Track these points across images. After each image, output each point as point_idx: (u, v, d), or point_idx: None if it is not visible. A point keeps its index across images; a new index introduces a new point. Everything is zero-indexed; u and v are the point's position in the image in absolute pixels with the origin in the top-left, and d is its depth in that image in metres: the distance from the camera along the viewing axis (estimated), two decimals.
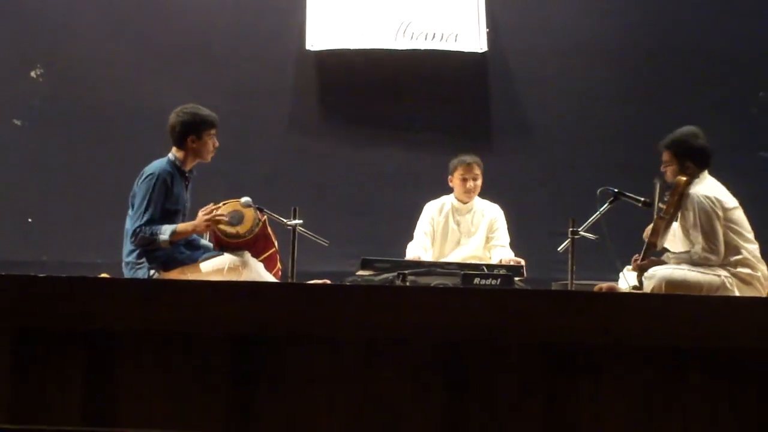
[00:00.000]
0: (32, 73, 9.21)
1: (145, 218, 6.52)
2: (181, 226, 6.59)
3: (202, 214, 6.64)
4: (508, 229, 8.07)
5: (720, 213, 6.66)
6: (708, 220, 6.64)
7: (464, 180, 7.99)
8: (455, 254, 7.96)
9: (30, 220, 9.13)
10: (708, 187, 6.77)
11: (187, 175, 6.81)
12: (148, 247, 6.56)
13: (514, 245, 8.00)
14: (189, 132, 6.73)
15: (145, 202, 6.55)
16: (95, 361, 4.01)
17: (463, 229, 8.04)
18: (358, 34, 9.22)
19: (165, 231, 6.51)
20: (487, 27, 9.25)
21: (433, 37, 9.26)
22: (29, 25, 9.22)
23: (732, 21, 9.44)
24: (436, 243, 8.03)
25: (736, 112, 9.37)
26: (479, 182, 8.01)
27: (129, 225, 6.61)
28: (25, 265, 8.31)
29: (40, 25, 9.21)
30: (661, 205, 6.81)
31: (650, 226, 6.86)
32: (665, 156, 6.92)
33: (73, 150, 9.17)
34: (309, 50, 9.22)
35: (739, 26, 9.43)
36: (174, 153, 6.76)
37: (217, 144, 6.84)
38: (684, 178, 6.76)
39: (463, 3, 9.29)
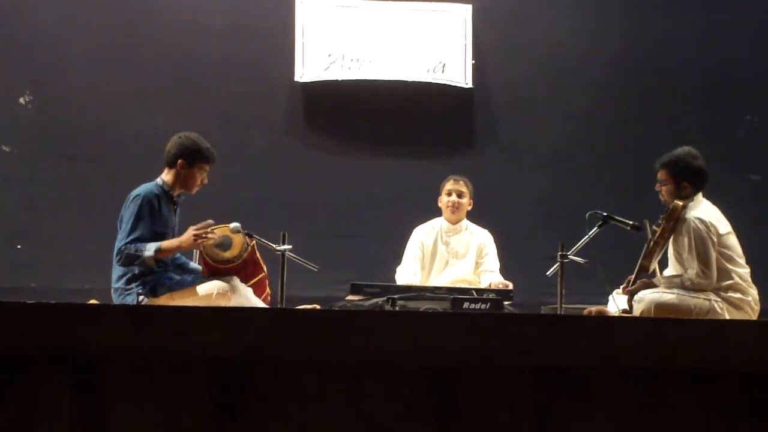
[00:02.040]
0: (21, 100, 9.21)
1: (130, 237, 6.51)
2: (166, 243, 6.57)
3: (192, 229, 6.61)
4: (497, 253, 8.08)
5: (715, 239, 6.66)
6: (703, 246, 6.62)
7: (449, 194, 8.02)
8: (444, 276, 7.97)
9: (19, 246, 9.11)
10: (704, 212, 6.75)
11: (174, 199, 6.80)
12: (134, 265, 6.53)
13: (503, 269, 8.00)
14: (181, 156, 6.73)
15: (131, 223, 6.54)
16: (83, 387, 3.99)
17: (451, 251, 8.05)
18: (346, 65, 9.25)
19: (150, 248, 6.49)
20: (473, 58, 9.29)
21: (420, 68, 9.29)
22: (18, 51, 9.22)
23: (720, 44, 9.48)
24: (425, 265, 8.04)
25: (724, 135, 9.41)
26: (464, 201, 8.03)
27: (116, 247, 6.60)
28: (13, 291, 8.30)
29: (29, 52, 9.21)
30: (654, 227, 6.81)
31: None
32: (661, 175, 6.90)
33: (62, 176, 9.16)
34: (297, 81, 9.26)
35: (728, 49, 9.48)
36: (163, 177, 6.77)
37: (206, 181, 6.83)
38: (680, 203, 6.74)
39: (451, 31, 9.33)
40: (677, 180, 6.83)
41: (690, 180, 6.82)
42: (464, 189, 8.03)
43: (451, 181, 8.05)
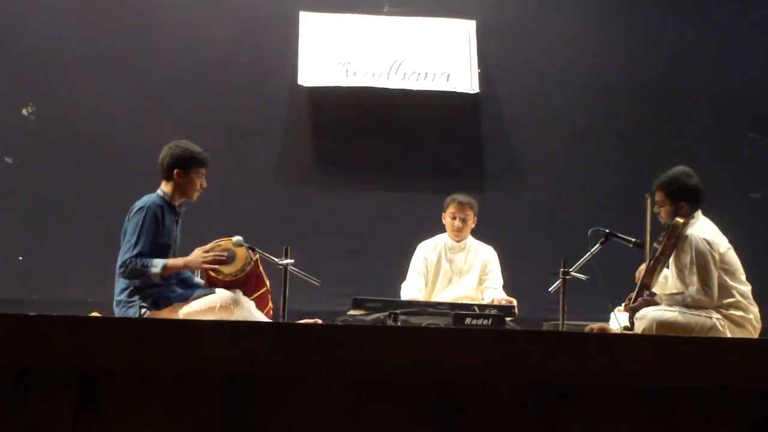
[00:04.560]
0: (24, 111, 9.22)
1: (135, 251, 6.51)
2: (172, 261, 6.58)
3: (200, 252, 6.62)
4: (500, 269, 8.08)
5: (716, 256, 6.66)
6: (704, 263, 6.63)
7: (453, 219, 8.01)
8: (447, 293, 7.96)
9: (21, 257, 9.11)
10: (704, 229, 6.76)
11: (176, 209, 6.81)
12: (138, 280, 6.54)
13: (506, 285, 8.00)
14: (176, 166, 6.74)
15: (135, 235, 6.54)
16: (85, 400, 3.99)
17: (455, 268, 8.05)
18: (350, 71, 9.25)
19: (157, 264, 6.49)
20: (479, 67, 9.29)
21: (425, 76, 9.28)
22: (21, 63, 9.23)
23: (723, 62, 9.50)
24: (428, 282, 8.04)
25: (727, 153, 9.43)
26: (469, 223, 8.02)
27: (119, 259, 6.61)
28: (15, 303, 8.30)
29: (31, 63, 9.22)
30: (656, 245, 6.81)
31: (643, 266, 6.86)
32: (658, 196, 6.92)
33: (65, 188, 9.17)
34: (301, 86, 9.24)
35: (731, 67, 9.49)
36: (162, 188, 6.78)
37: (204, 184, 6.83)
38: (681, 220, 6.75)
39: (455, 43, 9.33)
40: (674, 200, 6.84)
41: (687, 199, 6.84)
42: (468, 212, 8.01)
43: (456, 205, 8.01)
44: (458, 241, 8.07)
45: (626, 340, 5.01)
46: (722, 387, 4.13)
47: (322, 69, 9.24)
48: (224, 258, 6.68)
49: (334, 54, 9.27)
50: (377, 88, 9.25)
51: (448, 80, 9.30)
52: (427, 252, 8.09)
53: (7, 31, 9.25)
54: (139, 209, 6.64)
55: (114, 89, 9.26)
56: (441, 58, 9.32)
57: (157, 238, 6.60)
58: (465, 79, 9.28)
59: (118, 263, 6.57)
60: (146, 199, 6.70)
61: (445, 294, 7.96)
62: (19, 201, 9.18)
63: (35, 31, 9.23)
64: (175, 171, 6.73)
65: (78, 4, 9.31)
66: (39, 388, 3.98)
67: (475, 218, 8.06)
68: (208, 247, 6.67)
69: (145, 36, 9.35)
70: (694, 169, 6.99)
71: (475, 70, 9.29)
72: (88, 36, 9.29)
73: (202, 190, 6.85)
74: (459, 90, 9.28)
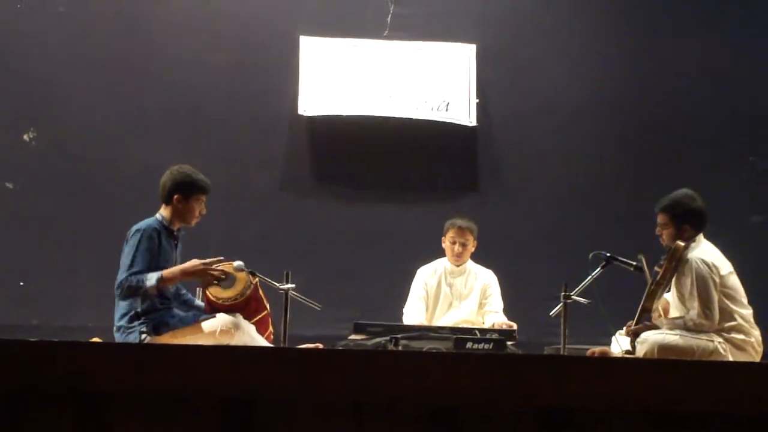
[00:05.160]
0: (25, 137, 9.24)
1: (130, 270, 6.50)
2: (168, 271, 6.55)
3: (198, 261, 6.61)
4: (501, 293, 8.07)
5: (717, 279, 6.65)
6: (705, 286, 6.61)
7: (453, 243, 8.01)
8: (448, 317, 7.96)
9: (21, 283, 9.10)
10: (705, 252, 6.75)
11: (175, 233, 6.81)
12: (135, 297, 6.52)
13: (506, 309, 8.00)
14: (176, 191, 6.74)
15: (131, 257, 6.53)
16: (86, 425, 3.98)
17: (455, 292, 8.05)
18: (350, 100, 9.27)
19: (151, 277, 6.47)
20: (477, 97, 9.31)
21: (424, 106, 9.30)
22: (22, 88, 9.26)
23: (724, 86, 9.51)
24: (429, 306, 8.03)
25: (727, 177, 9.42)
26: (469, 247, 8.03)
27: (116, 282, 6.60)
28: (16, 329, 8.30)
29: (32, 89, 9.25)
30: (657, 268, 6.80)
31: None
32: (661, 219, 6.90)
33: (66, 213, 9.17)
34: (301, 115, 9.26)
35: (731, 91, 9.50)
36: (161, 212, 6.78)
37: (204, 211, 6.82)
38: (682, 243, 6.74)
39: (455, 69, 9.36)
40: (678, 223, 6.83)
41: (690, 222, 6.83)
42: (468, 236, 8.01)
43: (456, 230, 8.01)
44: (458, 266, 8.06)
45: (628, 363, 5.01)
46: (724, 411, 4.12)
47: (322, 98, 9.26)
48: (223, 276, 6.67)
49: (334, 82, 9.29)
50: (377, 116, 9.26)
51: (447, 110, 9.32)
52: (426, 277, 8.09)
53: (8, 57, 9.27)
54: (135, 232, 6.64)
55: (114, 115, 9.28)
56: (441, 85, 9.35)
57: (154, 261, 6.59)
58: (463, 110, 9.32)
59: (115, 285, 6.57)
60: (144, 223, 6.70)
61: (445, 318, 7.95)
62: (20, 226, 9.18)
63: (36, 56, 9.26)
64: (175, 196, 6.73)
65: (78, 31, 9.34)
66: (40, 413, 3.98)
67: (475, 242, 8.06)
68: (208, 261, 6.66)
69: (147, 61, 9.37)
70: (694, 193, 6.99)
71: (474, 101, 9.31)
72: (89, 62, 9.31)
73: (201, 216, 6.84)
74: (457, 122, 9.32)
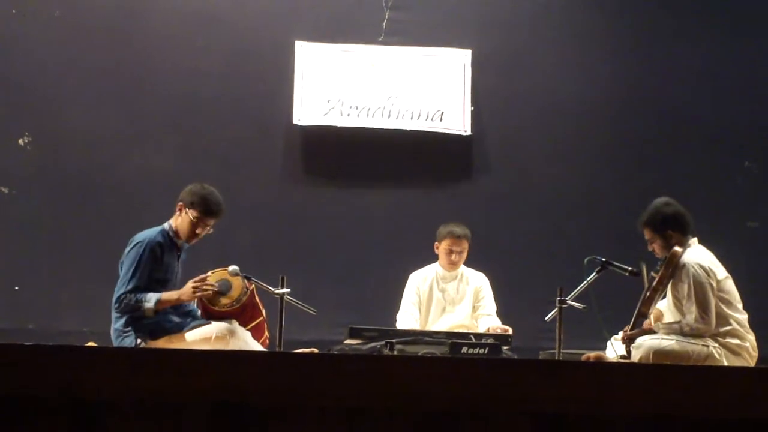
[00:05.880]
0: (20, 141, 9.22)
1: (130, 285, 6.51)
2: (165, 295, 6.57)
3: (191, 283, 6.61)
4: (495, 297, 8.07)
5: (714, 284, 6.66)
6: (702, 291, 6.62)
7: (449, 252, 7.99)
8: (441, 323, 7.95)
9: (17, 287, 9.09)
10: (701, 257, 6.77)
11: (179, 245, 6.80)
12: (133, 314, 6.54)
13: (502, 314, 8.00)
14: (191, 206, 6.73)
15: (131, 270, 6.54)
16: (81, 428, 3.98)
17: (447, 297, 8.04)
18: (344, 109, 9.25)
19: (150, 299, 6.48)
20: (472, 105, 9.31)
21: (419, 116, 9.29)
22: (17, 93, 9.23)
23: (718, 90, 9.51)
24: (422, 311, 8.02)
25: (722, 182, 9.42)
26: (464, 255, 8.02)
27: (115, 294, 6.60)
28: (11, 333, 8.28)
29: (27, 93, 9.22)
30: (653, 274, 6.81)
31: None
32: (646, 234, 6.95)
33: (61, 218, 9.15)
34: (296, 124, 9.26)
35: (726, 96, 9.50)
36: (171, 222, 6.77)
37: (210, 231, 6.83)
38: (679, 249, 6.75)
39: (450, 75, 9.34)
40: (661, 232, 6.86)
41: (672, 228, 6.85)
42: (465, 244, 7.99)
43: (453, 240, 7.97)
44: (452, 272, 8.06)
45: (623, 368, 5.01)
46: (718, 415, 4.13)
47: (316, 107, 9.24)
48: (214, 290, 6.67)
49: (329, 90, 9.27)
50: (371, 128, 9.26)
51: (441, 119, 9.30)
52: (419, 282, 8.08)
53: (2, 63, 9.26)
54: (137, 243, 6.63)
55: (109, 120, 9.25)
56: (435, 93, 9.31)
57: (155, 274, 6.60)
58: (458, 119, 9.30)
59: (114, 298, 6.57)
60: (146, 234, 6.69)
61: (440, 323, 7.94)
62: (15, 231, 9.16)
63: (32, 61, 9.24)
64: (189, 210, 6.73)
65: (73, 36, 9.31)
66: (35, 417, 3.98)
67: (469, 245, 8.05)
68: (198, 279, 6.66)
69: (142, 68, 9.34)
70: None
71: (468, 109, 9.30)
72: (84, 67, 9.28)
73: (200, 237, 6.84)
74: (452, 131, 9.31)
